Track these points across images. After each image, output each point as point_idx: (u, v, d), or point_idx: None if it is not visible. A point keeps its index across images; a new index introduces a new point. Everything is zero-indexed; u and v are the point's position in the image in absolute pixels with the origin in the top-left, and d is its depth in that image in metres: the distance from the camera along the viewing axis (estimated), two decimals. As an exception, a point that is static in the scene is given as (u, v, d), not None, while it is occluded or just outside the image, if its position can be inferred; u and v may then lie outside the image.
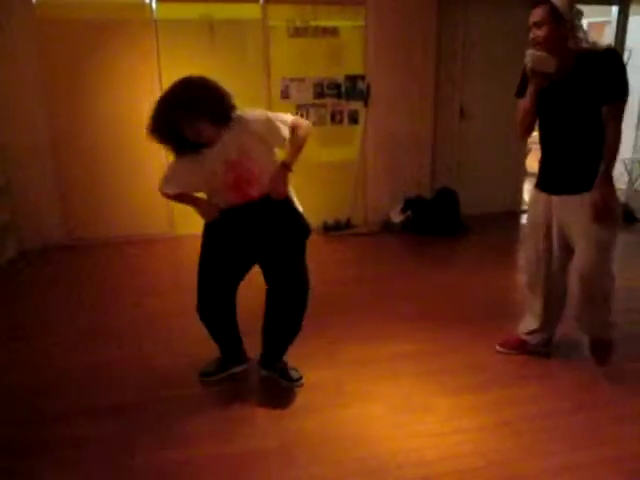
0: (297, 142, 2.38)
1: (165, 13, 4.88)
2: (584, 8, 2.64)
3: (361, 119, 5.50)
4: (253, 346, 2.72)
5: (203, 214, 2.51)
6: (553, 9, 2.31)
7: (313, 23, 5.25)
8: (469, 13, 5.58)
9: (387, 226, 5.56)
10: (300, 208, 2.55)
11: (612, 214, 2.44)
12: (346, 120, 5.51)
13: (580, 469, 2.06)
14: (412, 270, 4.42)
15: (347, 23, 5.39)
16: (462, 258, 4.95)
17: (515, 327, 2.97)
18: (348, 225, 5.52)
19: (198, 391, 2.63)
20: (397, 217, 5.51)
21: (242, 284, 2.60)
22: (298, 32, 5.24)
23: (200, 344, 2.87)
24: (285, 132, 2.36)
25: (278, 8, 5.14)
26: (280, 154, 2.46)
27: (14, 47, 4.57)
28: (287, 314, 2.50)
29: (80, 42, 4.78)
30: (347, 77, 5.42)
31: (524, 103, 2.55)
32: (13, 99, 4.66)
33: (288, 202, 2.47)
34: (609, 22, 6.47)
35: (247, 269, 2.58)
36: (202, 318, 2.60)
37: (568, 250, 2.61)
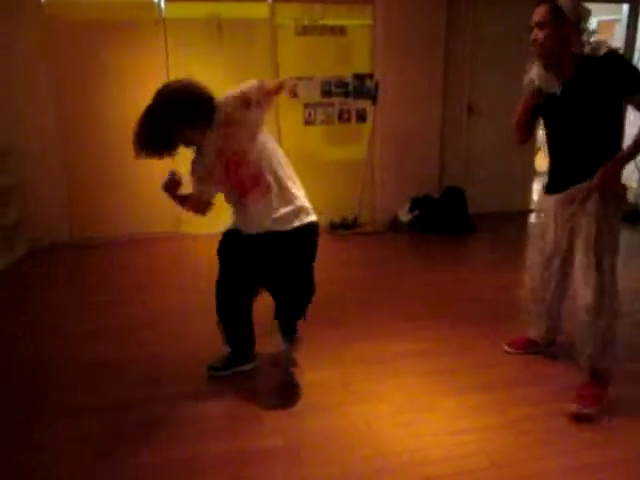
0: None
1: (173, 12, 4.92)
2: (593, 6, 2.58)
3: (369, 118, 5.50)
4: (262, 346, 2.75)
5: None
6: (556, 8, 2.23)
7: (321, 22, 5.26)
8: (477, 11, 5.56)
9: (394, 225, 5.55)
10: (310, 209, 2.56)
11: (616, 185, 2.34)
12: (354, 119, 5.52)
13: (586, 470, 2.05)
14: (419, 269, 4.41)
15: (355, 22, 5.40)
16: (469, 257, 4.93)
17: (522, 327, 2.96)
18: (355, 224, 5.51)
19: (204, 389, 2.64)
20: (405, 216, 5.50)
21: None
22: (306, 31, 5.25)
23: (206, 341, 2.89)
24: (250, 82, 2.35)
25: (286, 7, 5.15)
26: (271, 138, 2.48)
27: (23, 47, 4.62)
28: (293, 309, 2.53)
29: (89, 42, 4.82)
30: (355, 76, 5.42)
31: (517, 116, 2.52)
32: (22, 100, 4.71)
33: (292, 241, 2.46)
34: (619, 20, 6.40)
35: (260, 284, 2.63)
36: (220, 317, 2.69)
37: (573, 253, 2.56)
